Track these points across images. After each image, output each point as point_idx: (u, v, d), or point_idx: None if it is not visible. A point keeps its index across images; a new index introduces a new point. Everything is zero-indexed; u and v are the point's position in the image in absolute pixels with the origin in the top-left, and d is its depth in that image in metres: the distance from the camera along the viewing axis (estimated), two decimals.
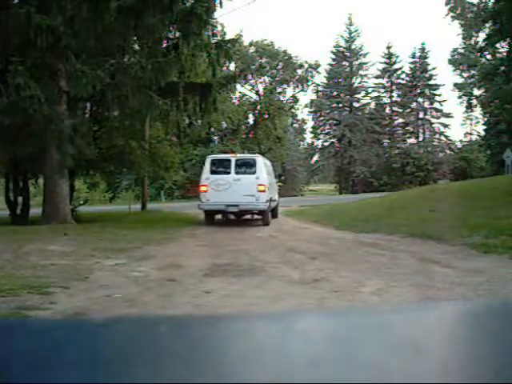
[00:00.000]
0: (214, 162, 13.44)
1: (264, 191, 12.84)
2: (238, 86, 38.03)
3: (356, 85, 48.45)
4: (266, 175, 13.26)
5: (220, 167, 13.33)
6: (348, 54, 47.98)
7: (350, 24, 47.76)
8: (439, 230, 9.90)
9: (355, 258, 7.97)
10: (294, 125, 53.34)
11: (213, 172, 13.20)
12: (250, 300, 5.29)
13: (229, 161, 13.36)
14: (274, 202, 14.16)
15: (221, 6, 14.16)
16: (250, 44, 43.75)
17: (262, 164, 13.43)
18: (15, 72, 11.09)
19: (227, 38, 23.55)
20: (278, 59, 44.78)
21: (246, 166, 13.33)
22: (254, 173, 13.04)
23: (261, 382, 0.51)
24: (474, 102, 46.17)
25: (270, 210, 13.46)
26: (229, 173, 13.07)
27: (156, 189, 29.12)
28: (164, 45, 15.14)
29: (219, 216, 14.45)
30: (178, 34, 14.51)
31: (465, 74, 47.76)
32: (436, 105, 47.25)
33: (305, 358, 0.56)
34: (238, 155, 14.65)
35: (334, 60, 48.40)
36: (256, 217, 13.95)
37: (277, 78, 45.34)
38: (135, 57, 14.70)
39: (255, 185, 12.83)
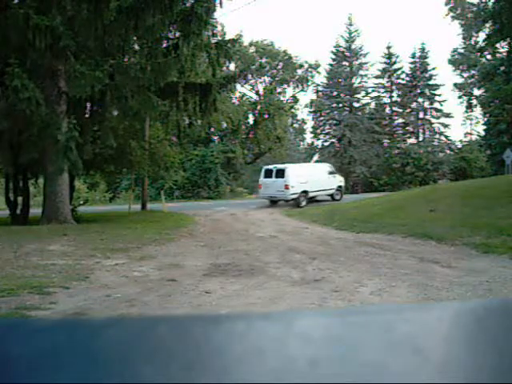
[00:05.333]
0: (265, 170, 21.97)
1: (288, 188, 20.52)
2: (238, 86, 38.03)
3: (356, 85, 48.39)
4: (291, 178, 20.59)
5: (267, 173, 21.61)
6: (348, 54, 47.93)
7: (350, 24, 47.72)
8: (439, 230, 9.90)
9: (355, 258, 7.97)
10: (294, 125, 53.32)
11: (264, 177, 21.60)
12: (250, 300, 5.30)
13: (271, 170, 21.60)
14: (317, 192, 22.13)
15: (221, 6, 14.17)
16: (250, 44, 43.73)
17: (291, 171, 21.16)
18: (12, 74, 11.07)
19: (227, 38, 23.58)
20: (278, 59, 44.76)
21: (281, 173, 21.03)
22: (283, 177, 20.68)
23: (261, 382, 0.51)
24: (474, 102, 46.18)
25: (301, 197, 21.02)
26: (271, 177, 21.21)
27: (156, 189, 29.12)
28: (164, 45, 15.13)
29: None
30: (178, 34, 14.49)
31: (465, 74, 47.75)
32: (436, 105, 47.18)
33: (305, 357, 0.56)
34: (278, 166, 22.45)
35: (334, 60, 48.35)
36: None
37: (277, 78, 45.32)
38: (135, 57, 14.69)
39: (283, 184, 20.59)
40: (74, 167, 12.40)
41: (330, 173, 23.53)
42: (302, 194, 21.16)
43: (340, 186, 23.81)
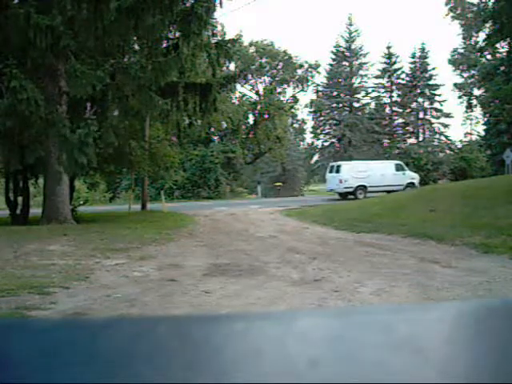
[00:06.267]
0: (330, 166, 26.17)
1: (341, 182, 24.17)
2: (238, 86, 37.98)
3: (356, 85, 48.37)
4: (345, 173, 24.22)
5: (330, 169, 25.67)
6: (348, 54, 47.91)
7: (350, 24, 47.70)
8: (439, 230, 9.90)
9: (355, 258, 7.97)
10: (294, 125, 53.26)
11: (329, 172, 25.67)
12: (250, 300, 5.30)
13: (333, 166, 25.74)
14: (379, 187, 24.09)
15: (221, 6, 14.16)
16: (250, 44, 43.67)
17: (345, 167, 24.86)
18: (10, 75, 11.07)
19: (227, 38, 23.59)
20: (278, 59, 44.71)
21: (337, 169, 24.82)
22: (339, 172, 24.45)
23: (261, 382, 0.51)
24: (474, 102, 46.12)
25: (358, 191, 24.20)
26: (332, 172, 25.16)
27: (156, 189, 29.10)
28: (164, 45, 15.12)
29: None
30: (178, 34, 14.49)
31: (465, 74, 47.68)
32: (436, 105, 47.14)
33: (305, 357, 0.56)
34: (336, 163, 26.72)
35: (334, 60, 48.32)
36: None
37: (277, 78, 45.28)
38: (135, 57, 14.68)
39: (338, 179, 24.30)
40: (91, 163, 12.39)
41: (398, 170, 25.67)
42: (359, 188, 24.22)
43: (412, 183, 25.30)
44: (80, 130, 11.96)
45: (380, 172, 24.72)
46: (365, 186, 24.16)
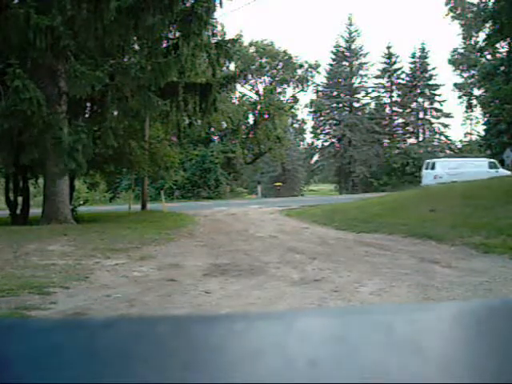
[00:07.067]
0: (425, 163, 27.96)
1: (435, 178, 25.30)
2: (238, 86, 38.02)
3: (356, 85, 48.40)
4: (439, 170, 26.20)
5: (426, 166, 27.56)
6: (348, 54, 47.93)
7: (350, 24, 47.72)
8: (439, 230, 9.89)
9: (355, 258, 7.97)
10: (294, 125, 53.27)
11: (425, 168, 27.50)
12: (250, 300, 5.30)
13: (428, 163, 27.72)
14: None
15: (221, 6, 14.17)
16: (250, 44, 43.69)
17: (440, 163, 27.23)
18: (13, 74, 11.07)
19: (227, 38, 23.59)
20: (278, 59, 44.73)
21: (432, 165, 27.05)
22: (434, 168, 26.55)
23: (261, 382, 0.51)
24: (474, 102, 46.12)
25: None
26: (427, 169, 27.09)
27: (156, 189, 29.09)
28: (164, 45, 15.12)
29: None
30: (178, 34, 14.49)
31: (465, 74, 47.71)
32: (436, 105, 47.19)
33: (305, 357, 0.56)
34: (431, 160, 28.75)
35: (334, 60, 48.34)
36: None
37: (277, 78, 45.29)
38: (135, 57, 14.68)
39: (432, 175, 25.99)
40: (80, 168, 12.44)
41: (492, 167, 26.91)
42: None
43: None
44: (70, 136, 11.98)
45: (473, 169, 25.46)
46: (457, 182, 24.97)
